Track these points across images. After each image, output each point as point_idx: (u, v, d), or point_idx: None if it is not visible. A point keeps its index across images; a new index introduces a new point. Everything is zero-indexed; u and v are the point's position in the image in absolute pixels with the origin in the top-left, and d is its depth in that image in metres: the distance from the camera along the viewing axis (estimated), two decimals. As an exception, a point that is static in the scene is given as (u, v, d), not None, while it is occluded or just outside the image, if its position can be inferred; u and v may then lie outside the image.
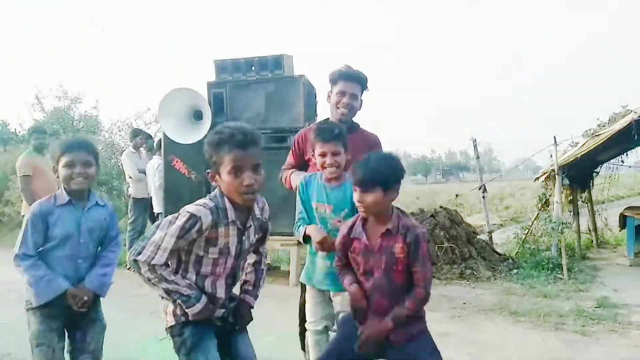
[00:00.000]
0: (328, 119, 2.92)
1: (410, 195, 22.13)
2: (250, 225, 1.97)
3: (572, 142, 6.67)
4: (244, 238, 1.94)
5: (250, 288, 2.15)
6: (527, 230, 7.14)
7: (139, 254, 1.82)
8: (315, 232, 2.35)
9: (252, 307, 2.14)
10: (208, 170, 1.89)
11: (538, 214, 7.05)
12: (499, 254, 6.69)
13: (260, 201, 2.05)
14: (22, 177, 5.78)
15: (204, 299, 1.90)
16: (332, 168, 2.38)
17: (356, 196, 1.95)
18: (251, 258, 2.18)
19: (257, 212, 2.01)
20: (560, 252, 6.04)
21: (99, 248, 2.51)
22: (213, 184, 1.88)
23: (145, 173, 7.02)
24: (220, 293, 1.97)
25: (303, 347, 2.82)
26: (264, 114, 5.95)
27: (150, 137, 7.55)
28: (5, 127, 18.30)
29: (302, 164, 2.97)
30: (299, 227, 2.49)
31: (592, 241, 8.07)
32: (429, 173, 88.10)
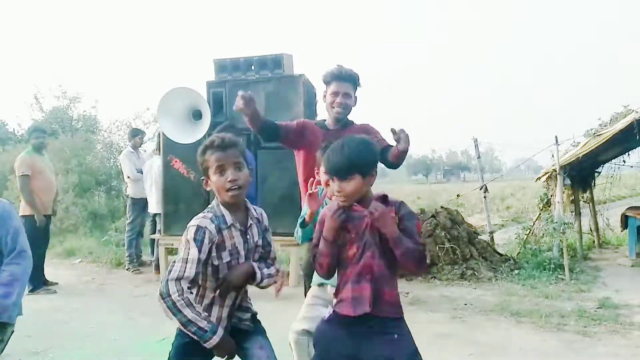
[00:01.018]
0: (325, 120, 3.05)
1: (411, 195, 22.12)
2: (251, 224, 2.09)
3: (574, 142, 6.65)
4: (247, 237, 2.07)
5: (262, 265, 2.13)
6: (528, 230, 7.12)
7: (169, 273, 1.89)
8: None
9: (253, 272, 2.05)
10: (202, 177, 2.08)
11: (539, 214, 7.03)
12: (500, 255, 6.67)
13: (256, 208, 2.18)
14: (21, 177, 5.77)
15: (220, 331, 1.93)
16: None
17: (334, 186, 1.87)
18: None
19: (254, 212, 2.13)
20: (562, 253, 6.01)
21: None
22: (207, 189, 2.08)
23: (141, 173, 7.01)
24: (228, 302, 2.06)
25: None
26: (263, 113, 5.92)
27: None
28: (3, 126, 18.30)
29: (287, 137, 3.05)
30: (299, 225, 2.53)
31: (594, 241, 8.05)
32: (429, 173, 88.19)
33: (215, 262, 1.99)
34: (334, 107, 2.91)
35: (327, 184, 2.38)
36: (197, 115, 5.81)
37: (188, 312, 1.85)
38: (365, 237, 1.88)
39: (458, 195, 9.76)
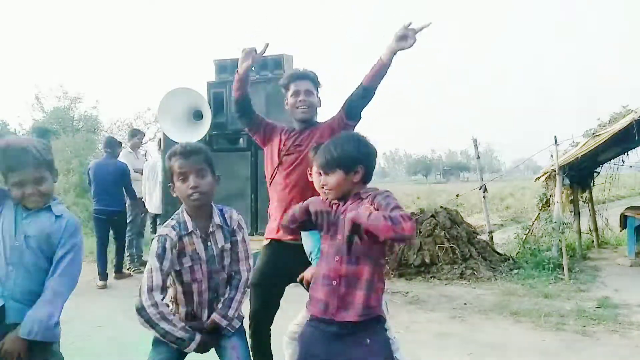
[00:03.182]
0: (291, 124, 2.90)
1: (411, 195, 22.14)
2: (213, 231, 2.15)
3: (573, 142, 6.67)
4: (209, 244, 2.14)
5: (220, 306, 2.15)
6: (527, 230, 7.13)
7: (141, 287, 2.02)
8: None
9: (220, 324, 2.11)
10: (169, 184, 2.16)
11: (539, 214, 7.04)
12: (500, 254, 6.68)
13: (226, 211, 2.22)
14: None
15: (197, 337, 2.05)
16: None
17: (321, 179, 1.97)
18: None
19: (217, 219, 2.16)
20: (561, 252, 6.03)
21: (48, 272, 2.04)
22: (173, 195, 2.15)
23: (142, 173, 7.03)
24: (203, 302, 2.14)
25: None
26: (264, 113, 5.88)
27: None
28: (5, 126, 18.30)
29: (259, 128, 2.93)
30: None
31: (593, 241, 8.07)
32: (429, 173, 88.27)
33: (177, 267, 2.09)
34: (297, 108, 2.74)
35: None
36: (198, 115, 5.83)
37: (165, 325, 1.99)
38: (336, 239, 1.90)
39: (457, 195, 9.77)
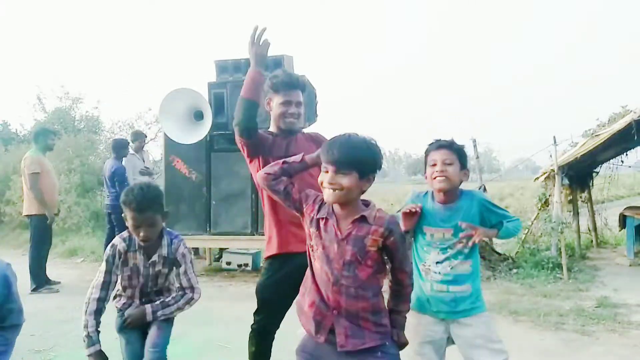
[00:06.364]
0: (268, 128, 2.79)
1: (411, 195, 22.05)
2: (158, 256, 2.43)
3: (572, 142, 6.69)
4: (148, 265, 2.43)
5: (158, 302, 2.47)
6: (526, 230, 7.15)
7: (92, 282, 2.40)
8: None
9: (145, 315, 2.44)
10: (124, 214, 2.37)
11: (538, 213, 7.06)
12: (499, 254, 6.69)
13: (175, 242, 2.47)
14: (32, 175, 5.80)
15: (95, 347, 2.34)
16: (442, 177, 2.16)
17: (328, 177, 1.70)
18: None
19: (164, 251, 2.44)
20: (560, 252, 6.05)
21: None
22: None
23: (149, 175, 7.21)
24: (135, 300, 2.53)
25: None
26: (264, 114, 5.94)
27: None
28: (6, 127, 18.29)
29: (255, 140, 2.68)
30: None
31: (592, 241, 8.09)
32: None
33: (118, 273, 2.41)
34: (286, 118, 2.66)
35: (433, 177, 2.18)
36: (199, 115, 5.85)
37: (88, 318, 2.35)
38: (332, 263, 1.74)
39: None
